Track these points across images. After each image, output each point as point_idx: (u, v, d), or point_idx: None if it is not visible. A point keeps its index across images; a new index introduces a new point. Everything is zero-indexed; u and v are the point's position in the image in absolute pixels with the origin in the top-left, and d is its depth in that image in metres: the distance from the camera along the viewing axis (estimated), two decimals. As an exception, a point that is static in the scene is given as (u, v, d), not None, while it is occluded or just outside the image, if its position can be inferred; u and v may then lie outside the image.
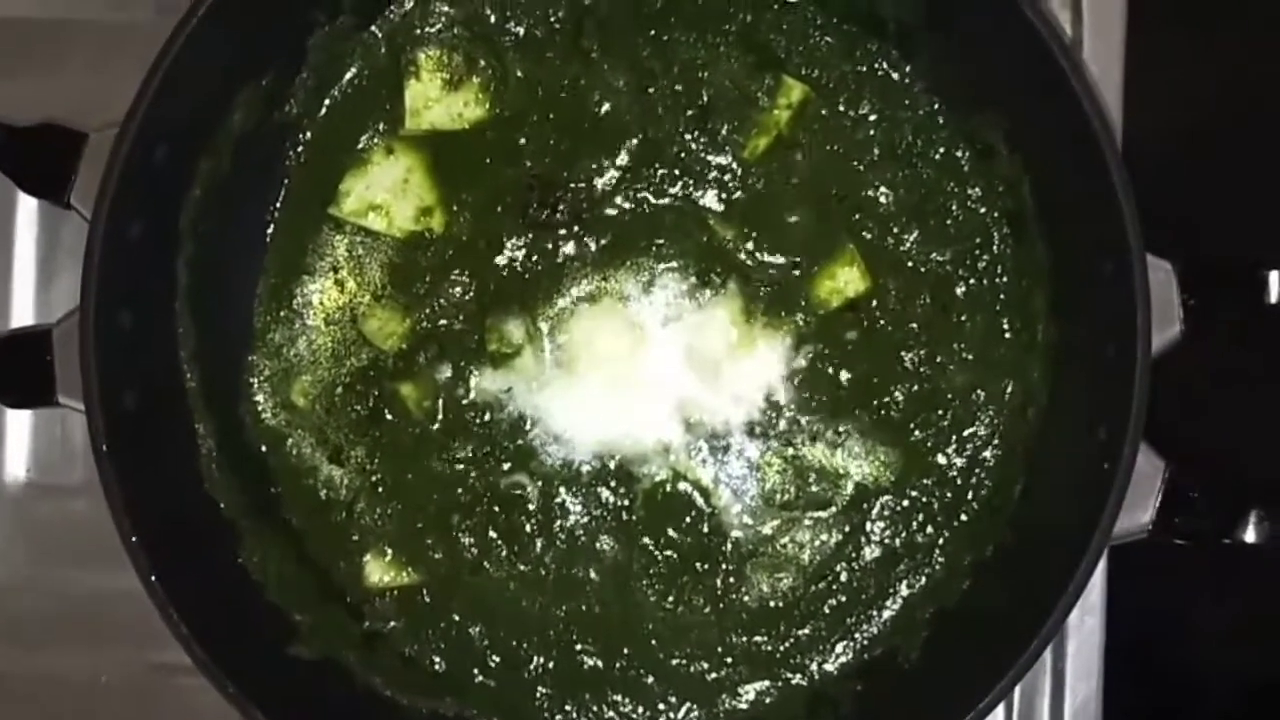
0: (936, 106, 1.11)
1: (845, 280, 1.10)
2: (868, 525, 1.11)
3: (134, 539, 0.98)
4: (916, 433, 1.11)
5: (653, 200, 1.11)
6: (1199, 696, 1.24)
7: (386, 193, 1.11)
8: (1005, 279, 1.10)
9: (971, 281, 1.11)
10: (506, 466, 1.11)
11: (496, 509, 1.11)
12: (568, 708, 1.11)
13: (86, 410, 0.98)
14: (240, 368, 1.12)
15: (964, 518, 1.11)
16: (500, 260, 1.11)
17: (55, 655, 1.21)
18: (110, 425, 0.98)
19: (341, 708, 1.08)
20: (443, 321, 1.11)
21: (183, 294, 1.07)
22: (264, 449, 1.13)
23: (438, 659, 1.12)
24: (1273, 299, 0.98)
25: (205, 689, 0.98)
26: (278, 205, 1.13)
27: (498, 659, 1.12)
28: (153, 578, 0.97)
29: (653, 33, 1.11)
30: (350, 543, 1.12)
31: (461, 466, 1.11)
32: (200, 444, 1.08)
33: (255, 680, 0.99)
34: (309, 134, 1.13)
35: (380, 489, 1.12)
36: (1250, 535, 0.96)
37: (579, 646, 1.11)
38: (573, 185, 1.11)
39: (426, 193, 1.11)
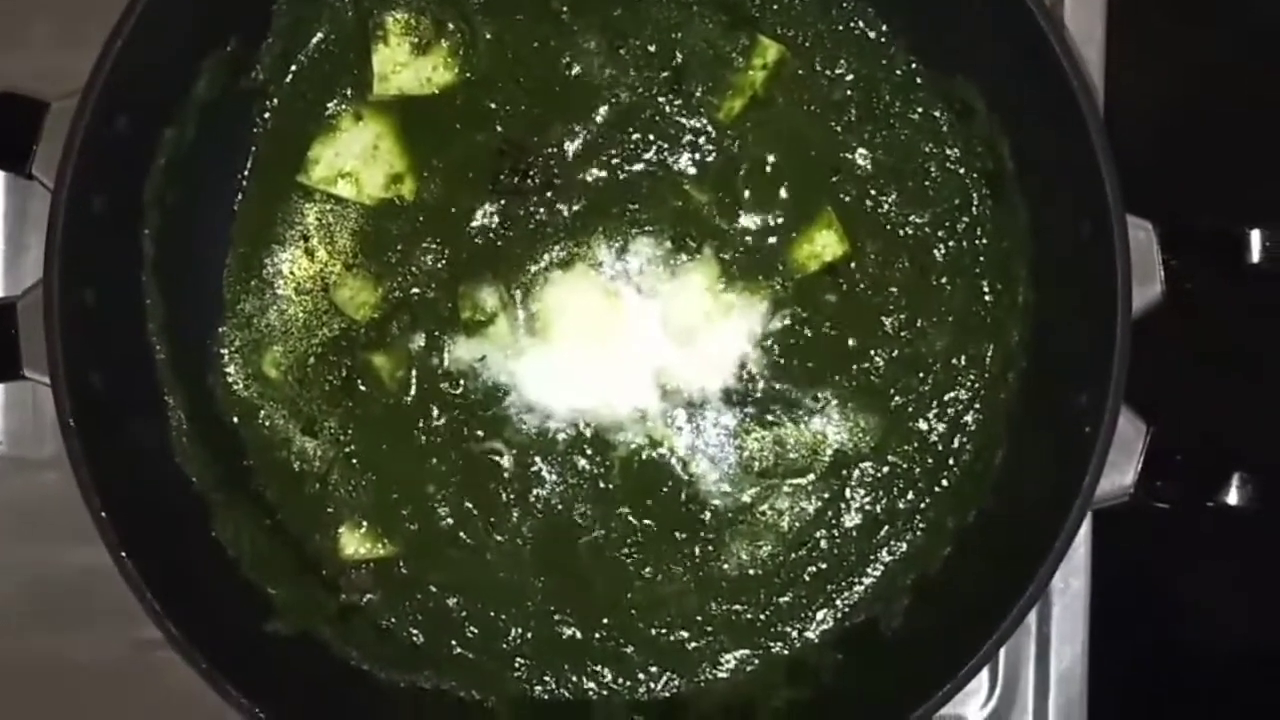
0: (914, 66, 1.09)
1: (823, 244, 1.08)
2: (848, 492, 1.10)
3: (103, 514, 0.97)
4: (897, 398, 1.10)
5: (626, 165, 1.10)
6: (1184, 660, 1.23)
7: (356, 160, 1.10)
8: (985, 241, 1.09)
9: (951, 244, 1.09)
10: (481, 435, 1.10)
11: (472, 479, 1.10)
12: (547, 678, 1.10)
13: (52, 385, 0.97)
14: (210, 339, 1.11)
15: (945, 483, 1.10)
16: (472, 227, 1.10)
17: (31, 631, 1.20)
18: (77, 400, 0.97)
19: (318, 682, 1.07)
20: (415, 290, 1.10)
21: (149, 265, 1.05)
22: (235, 421, 1.11)
23: (415, 631, 1.11)
24: (1254, 258, 0.96)
25: (185, 663, 0.97)
26: (245, 174, 1.11)
27: (476, 630, 1.11)
28: (123, 553, 0.96)
29: (624, -10, 1.10)
30: (325, 515, 1.11)
31: (436, 437, 1.10)
32: (170, 416, 1.07)
33: (230, 655, 0.98)
34: (275, 100, 1.11)
35: (354, 460, 1.11)
36: (1232, 498, 0.96)
37: (557, 617, 1.10)
38: (545, 150, 1.09)
39: (396, 159, 1.10)
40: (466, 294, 1.09)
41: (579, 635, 1.10)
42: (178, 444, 1.07)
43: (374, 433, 1.11)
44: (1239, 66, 1.21)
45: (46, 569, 1.19)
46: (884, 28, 1.09)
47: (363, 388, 1.11)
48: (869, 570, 1.10)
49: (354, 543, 1.10)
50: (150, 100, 1.01)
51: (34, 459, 1.20)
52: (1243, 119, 1.19)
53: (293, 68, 1.10)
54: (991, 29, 1.00)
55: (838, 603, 1.10)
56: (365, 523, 1.11)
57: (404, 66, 1.09)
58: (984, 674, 1.16)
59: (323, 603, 1.10)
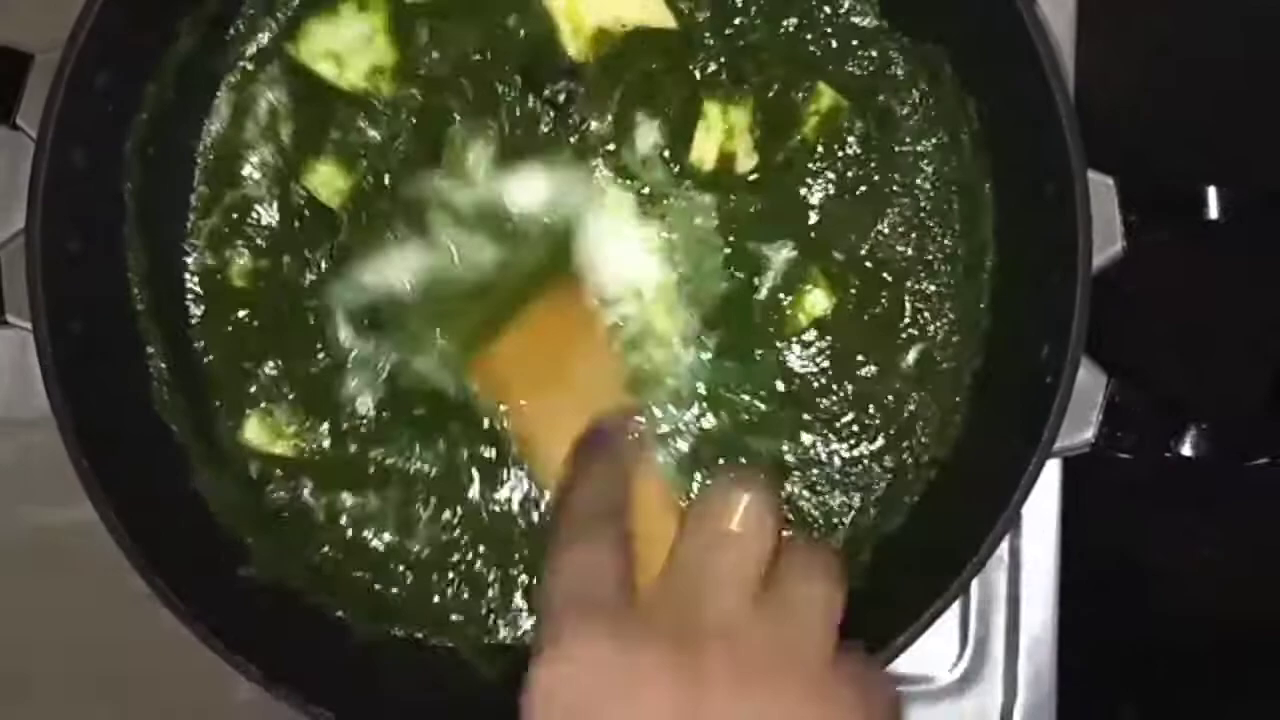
0: (884, 24, 1.10)
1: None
2: (811, 453, 1.10)
3: (84, 463, 0.98)
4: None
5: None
6: (1154, 624, 1.24)
7: (345, 44, 1.09)
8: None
9: (920, 207, 1.10)
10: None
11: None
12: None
13: (34, 333, 0.98)
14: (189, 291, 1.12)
15: (908, 443, 1.10)
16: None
17: (32, 589, 1.21)
18: (58, 343, 0.98)
19: (298, 634, 1.08)
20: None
21: (131, 217, 1.06)
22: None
23: (394, 587, 1.11)
24: (1212, 214, 0.98)
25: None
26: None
27: (457, 583, 1.11)
28: (105, 502, 0.98)
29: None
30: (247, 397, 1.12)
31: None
32: (149, 365, 1.08)
33: (213, 607, 1.00)
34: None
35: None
36: (1187, 449, 0.97)
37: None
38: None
39: (386, 54, 1.09)
40: None
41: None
42: (158, 394, 1.08)
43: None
44: (1209, 36, 1.22)
45: (42, 527, 1.20)
46: (857, -3, 1.10)
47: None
48: (835, 536, 1.10)
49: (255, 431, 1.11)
50: (133, 54, 1.03)
51: (20, 419, 1.21)
52: (1205, 81, 1.20)
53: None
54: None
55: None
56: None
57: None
58: (954, 635, 1.17)
59: (294, 547, 1.10)
